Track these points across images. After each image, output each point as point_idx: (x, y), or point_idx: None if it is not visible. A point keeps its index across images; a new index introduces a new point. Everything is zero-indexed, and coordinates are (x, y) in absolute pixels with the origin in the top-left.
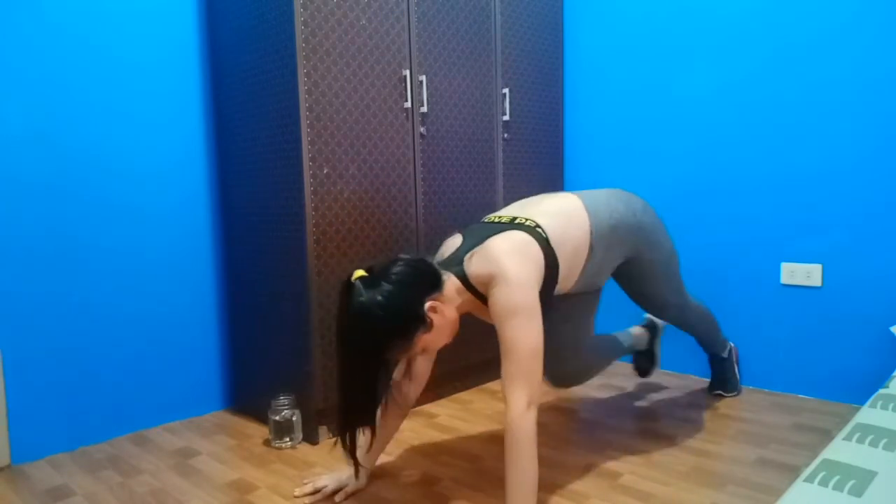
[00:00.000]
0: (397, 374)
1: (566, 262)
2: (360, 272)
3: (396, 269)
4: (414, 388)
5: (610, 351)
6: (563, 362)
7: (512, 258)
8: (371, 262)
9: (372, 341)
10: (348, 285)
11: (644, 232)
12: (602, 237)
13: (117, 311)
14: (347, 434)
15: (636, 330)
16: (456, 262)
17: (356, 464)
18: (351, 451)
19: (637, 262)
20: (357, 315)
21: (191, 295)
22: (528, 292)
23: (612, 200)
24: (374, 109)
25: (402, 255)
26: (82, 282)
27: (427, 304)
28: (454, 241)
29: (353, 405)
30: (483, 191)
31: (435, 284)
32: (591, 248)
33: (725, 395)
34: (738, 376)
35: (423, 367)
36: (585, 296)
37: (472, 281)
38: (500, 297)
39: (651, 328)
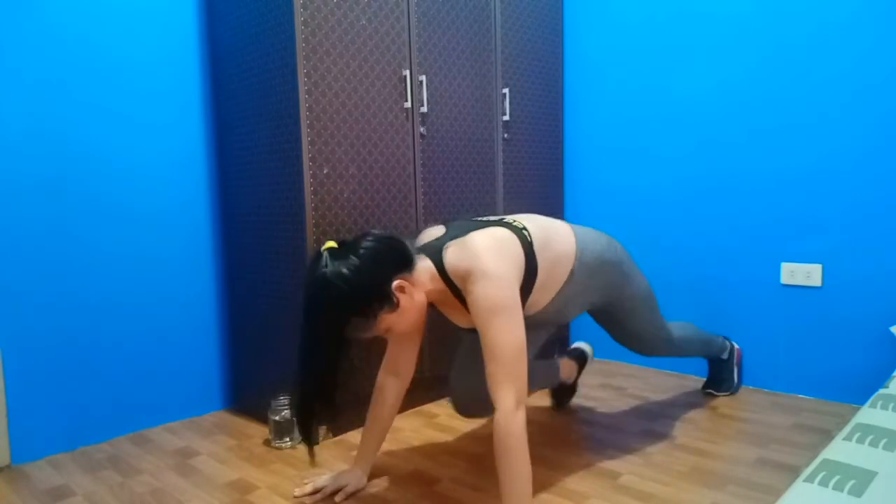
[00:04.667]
0: (382, 369)
1: (544, 272)
2: (330, 243)
3: (366, 242)
4: (399, 383)
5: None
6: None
7: (491, 254)
8: (338, 239)
9: (331, 315)
10: (316, 256)
11: (623, 269)
12: (584, 265)
13: (117, 310)
14: (304, 415)
15: (565, 362)
16: (434, 250)
17: (310, 447)
18: (306, 432)
19: (618, 301)
20: (317, 286)
21: (191, 295)
22: (507, 288)
23: (597, 236)
24: (374, 109)
25: (373, 230)
26: (82, 282)
27: (395, 283)
28: (435, 231)
29: (309, 384)
30: (483, 191)
31: (405, 264)
32: (573, 271)
33: (717, 394)
34: (736, 378)
35: (407, 360)
36: (544, 327)
37: (449, 271)
38: (480, 295)
39: (580, 359)
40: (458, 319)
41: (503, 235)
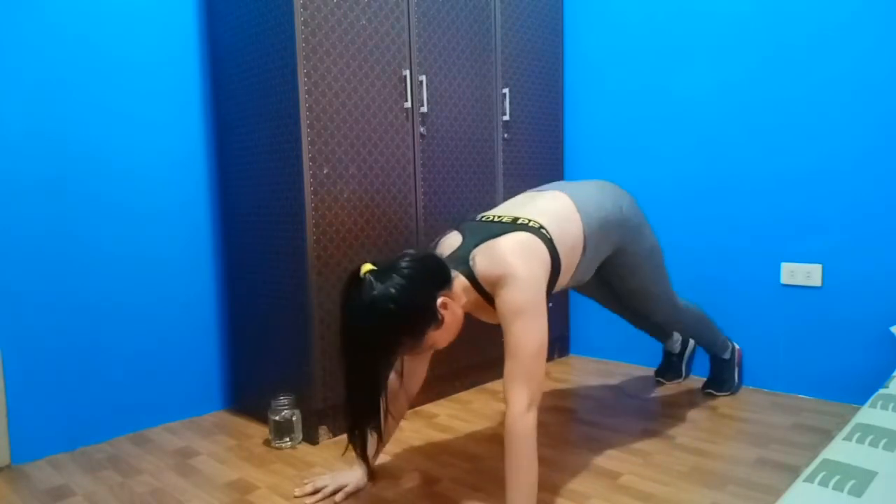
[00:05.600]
0: (394, 374)
1: (565, 261)
2: (368, 265)
3: (406, 263)
4: (411, 388)
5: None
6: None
7: (521, 258)
8: (372, 260)
9: (384, 337)
10: (356, 279)
11: (628, 227)
12: (592, 235)
13: (117, 310)
14: (357, 435)
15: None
16: (462, 261)
17: (368, 464)
18: (362, 451)
19: (621, 256)
20: (370, 310)
21: (191, 295)
22: (536, 292)
23: (599, 197)
24: (374, 109)
25: (409, 250)
26: (82, 282)
27: (439, 300)
28: (453, 239)
29: (360, 404)
30: (483, 191)
31: (445, 280)
32: (584, 247)
33: (717, 394)
34: (736, 378)
35: (419, 366)
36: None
37: (481, 281)
38: (509, 297)
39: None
40: (489, 318)
41: (527, 240)
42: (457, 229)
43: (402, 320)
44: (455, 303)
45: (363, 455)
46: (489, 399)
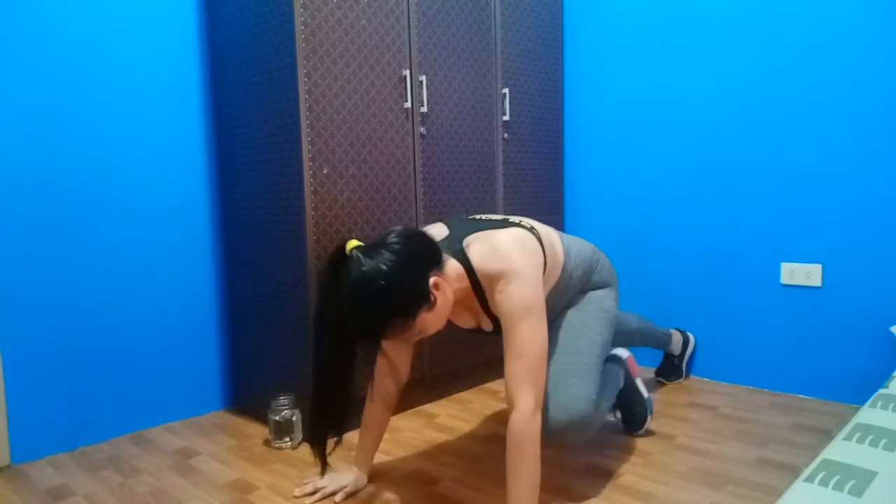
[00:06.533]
0: (378, 369)
1: (548, 267)
2: (354, 242)
3: (396, 238)
4: (396, 383)
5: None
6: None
7: (521, 254)
8: (357, 238)
9: (373, 317)
10: (341, 256)
11: (596, 277)
12: (568, 270)
13: (117, 310)
14: (318, 429)
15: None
16: (454, 248)
17: (323, 462)
18: (321, 447)
19: (574, 301)
20: (359, 287)
21: (191, 295)
22: (538, 290)
23: (580, 243)
24: (374, 109)
25: (396, 227)
26: (82, 282)
27: (431, 280)
28: (438, 230)
29: (328, 401)
30: (483, 191)
31: (437, 260)
32: (560, 277)
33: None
34: (639, 394)
35: (403, 360)
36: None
37: (477, 271)
38: (515, 295)
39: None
40: (464, 320)
41: (524, 236)
42: (443, 222)
43: (394, 298)
44: (447, 285)
45: (322, 455)
46: (489, 399)
